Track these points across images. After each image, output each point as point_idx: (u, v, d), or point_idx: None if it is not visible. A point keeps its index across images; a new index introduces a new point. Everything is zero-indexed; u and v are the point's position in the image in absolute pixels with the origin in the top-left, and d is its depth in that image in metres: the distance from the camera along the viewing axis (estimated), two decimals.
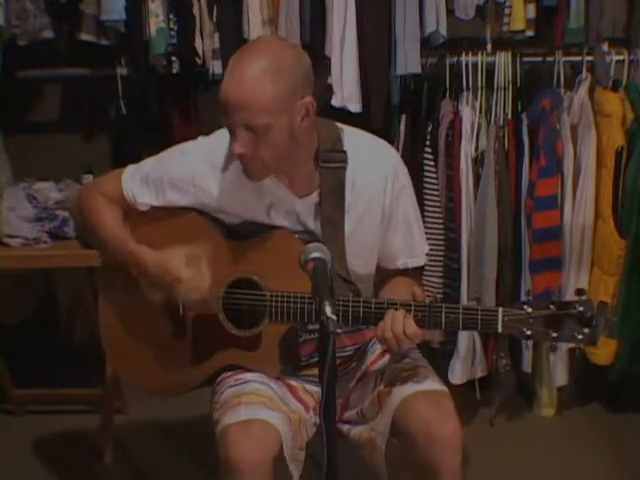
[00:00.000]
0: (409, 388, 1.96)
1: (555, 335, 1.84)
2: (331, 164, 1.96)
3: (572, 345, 1.86)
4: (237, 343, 2.02)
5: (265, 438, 1.87)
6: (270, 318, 1.98)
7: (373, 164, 2.00)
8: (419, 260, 2.13)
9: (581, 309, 1.82)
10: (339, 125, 2.02)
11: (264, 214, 2.00)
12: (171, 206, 2.04)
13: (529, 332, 1.84)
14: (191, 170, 2.00)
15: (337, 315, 1.79)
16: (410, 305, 1.88)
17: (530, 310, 1.84)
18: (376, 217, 2.02)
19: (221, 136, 1.98)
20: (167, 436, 3.14)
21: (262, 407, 1.93)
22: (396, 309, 1.88)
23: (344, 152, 1.97)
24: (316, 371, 1.66)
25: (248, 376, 2.03)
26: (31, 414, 3.30)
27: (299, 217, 2.00)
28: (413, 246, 2.10)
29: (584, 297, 1.83)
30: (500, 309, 1.86)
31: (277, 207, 1.99)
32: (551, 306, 1.83)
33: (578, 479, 2.89)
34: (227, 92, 1.81)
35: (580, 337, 1.83)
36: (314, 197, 1.99)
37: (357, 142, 2.01)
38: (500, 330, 1.86)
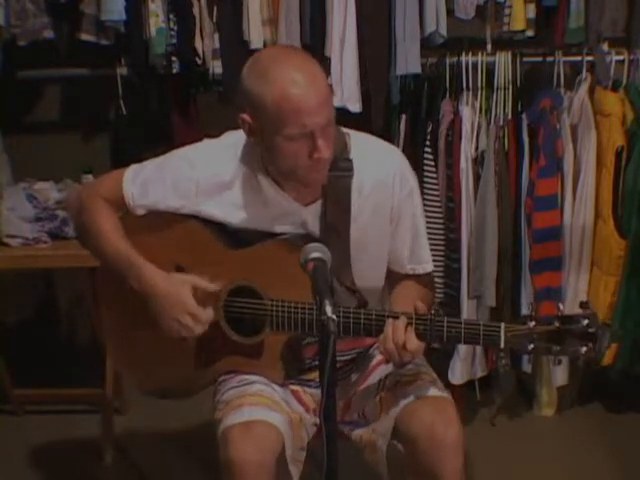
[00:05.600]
0: (413, 395, 1.95)
1: (558, 350, 1.81)
2: (336, 173, 1.93)
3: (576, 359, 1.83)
4: (240, 350, 2.00)
5: (267, 439, 1.86)
6: (271, 327, 1.95)
7: (380, 169, 1.99)
8: (425, 267, 2.12)
9: (585, 323, 1.78)
10: (345, 130, 2.00)
11: (269, 225, 1.97)
12: (170, 212, 2.01)
13: (531, 347, 1.81)
14: (195, 179, 1.96)
15: (338, 326, 1.79)
16: (412, 317, 1.85)
17: (533, 325, 1.81)
18: (385, 220, 2.01)
19: (228, 144, 1.97)
20: (167, 436, 3.15)
21: (265, 408, 1.92)
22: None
23: (350, 160, 1.95)
24: (318, 375, 1.65)
25: (251, 377, 2.02)
26: (31, 414, 3.30)
27: (306, 226, 1.98)
28: (420, 250, 2.09)
29: (588, 311, 1.80)
30: (503, 324, 1.83)
31: (283, 218, 1.97)
32: (555, 322, 1.79)
33: (578, 479, 2.89)
34: (307, 97, 1.77)
35: (583, 351, 1.79)
36: (319, 205, 1.97)
37: (364, 147, 2.00)
38: (502, 345, 1.83)
